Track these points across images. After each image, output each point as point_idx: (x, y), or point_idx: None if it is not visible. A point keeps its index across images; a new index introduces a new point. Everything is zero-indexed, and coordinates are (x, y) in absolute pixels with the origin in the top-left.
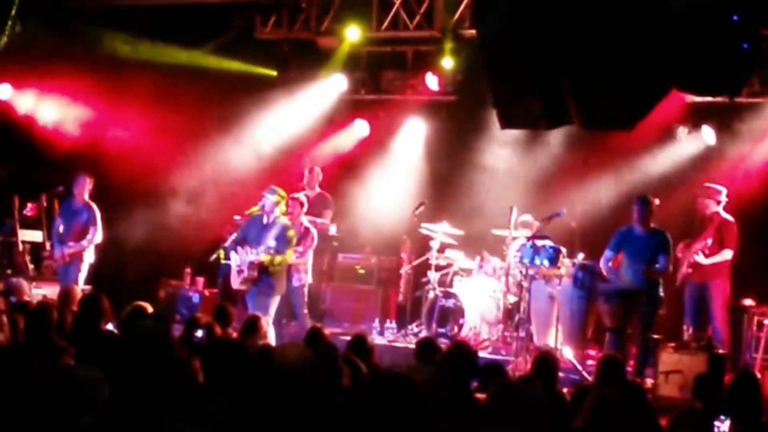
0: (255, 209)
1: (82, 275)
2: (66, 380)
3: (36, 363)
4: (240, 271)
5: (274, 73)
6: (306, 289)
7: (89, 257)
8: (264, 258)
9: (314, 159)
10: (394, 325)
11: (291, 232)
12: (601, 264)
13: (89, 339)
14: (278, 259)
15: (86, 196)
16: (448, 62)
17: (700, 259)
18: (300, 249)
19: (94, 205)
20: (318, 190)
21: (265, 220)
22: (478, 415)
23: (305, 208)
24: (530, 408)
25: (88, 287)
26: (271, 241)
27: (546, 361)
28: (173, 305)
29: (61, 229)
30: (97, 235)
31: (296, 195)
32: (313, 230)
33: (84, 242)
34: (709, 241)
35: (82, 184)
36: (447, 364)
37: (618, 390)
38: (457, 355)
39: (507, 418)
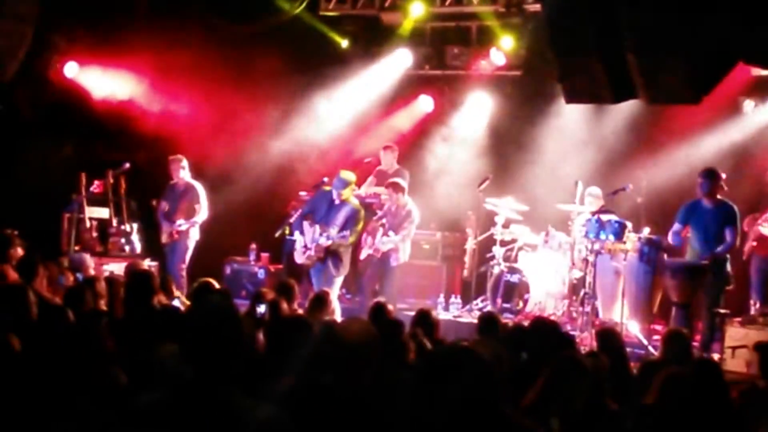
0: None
1: (189, 252)
2: (140, 356)
3: (105, 337)
4: (306, 249)
5: (345, 42)
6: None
7: (195, 235)
8: (332, 244)
9: (384, 138)
10: (459, 300)
11: (360, 214)
12: (669, 237)
13: (142, 315)
14: (348, 241)
15: (186, 177)
16: (507, 41)
17: (765, 230)
18: (396, 236)
19: (198, 184)
20: (396, 166)
21: (334, 198)
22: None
23: (403, 191)
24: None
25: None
26: (337, 227)
27: (608, 336)
28: (239, 281)
29: (166, 209)
30: (203, 212)
31: (395, 180)
32: (415, 213)
33: (194, 219)
34: None
35: (175, 167)
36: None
37: (691, 366)
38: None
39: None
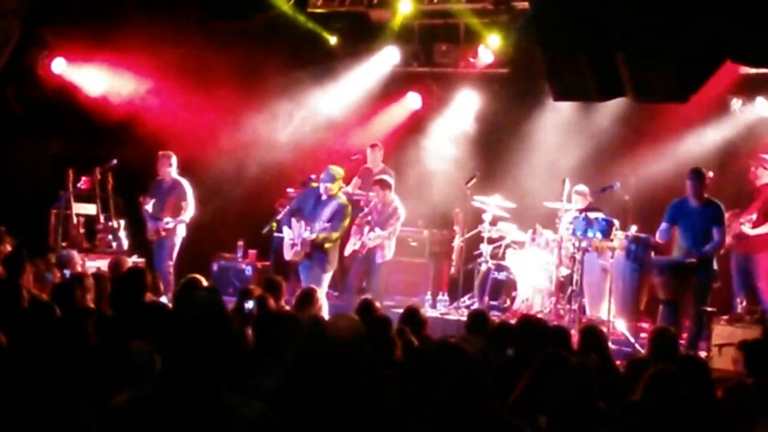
0: (313, 184)
1: (176, 249)
2: (119, 352)
3: (91, 333)
4: (293, 245)
5: (333, 39)
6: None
7: (182, 232)
8: (319, 236)
9: (372, 135)
10: (446, 297)
11: (347, 209)
12: (657, 236)
13: (133, 312)
14: (334, 236)
15: (173, 173)
16: (495, 39)
17: (746, 229)
18: (383, 232)
19: (184, 181)
20: (381, 165)
21: (321, 195)
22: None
23: (392, 188)
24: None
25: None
26: (323, 221)
27: (592, 333)
28: (226, 278)
29: (150, 207)
30: (190, 210)
31: (383, 177)
32: (401, 211)
33: (182, 216)
34: (754, 216)
35: (164, 162)
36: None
37: (678, 364)
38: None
39: (550, 387)
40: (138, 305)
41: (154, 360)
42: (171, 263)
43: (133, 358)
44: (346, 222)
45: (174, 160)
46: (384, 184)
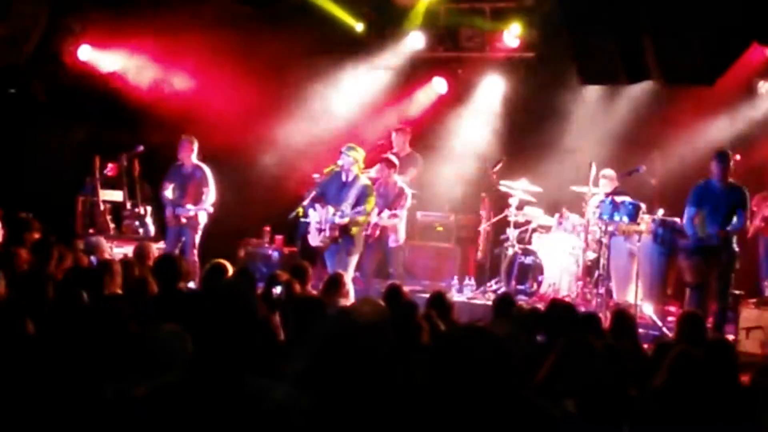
0: (333, 167)
1: (198, 237)
2: (152, 336)
3: (121, 320)
4: (320, 230)
5: (359, 25)
6: (400, 249)
7: (203, 218)
8: (347, 221)
9: (399, 119)
10: (473, 282)
11: (371, 191)
12: (685, 222)
13: (168, 298)
14: (361, 219)
15: (194, 159)
16: (521, 23)
17: None
18: (396, 211)
19: (205, 167)
20: (408, 149)
21: (344, 178)
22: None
23: (397, 169)
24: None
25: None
26: (350, 205)
27: (624, 317)
28: (253, 264)
29: (170, 192)
30: (211, 195)
31: (388, 156)
32: (407, 191)
33: (202, 204)
34: None
35: (185, 147)
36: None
37: (702, 346)
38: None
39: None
40: (171, 292)
41: (185, 343)
42: (195, 251)
43: (163, 341)
44: (372, 203)
45: (196, 145)
46: (390, 163)
